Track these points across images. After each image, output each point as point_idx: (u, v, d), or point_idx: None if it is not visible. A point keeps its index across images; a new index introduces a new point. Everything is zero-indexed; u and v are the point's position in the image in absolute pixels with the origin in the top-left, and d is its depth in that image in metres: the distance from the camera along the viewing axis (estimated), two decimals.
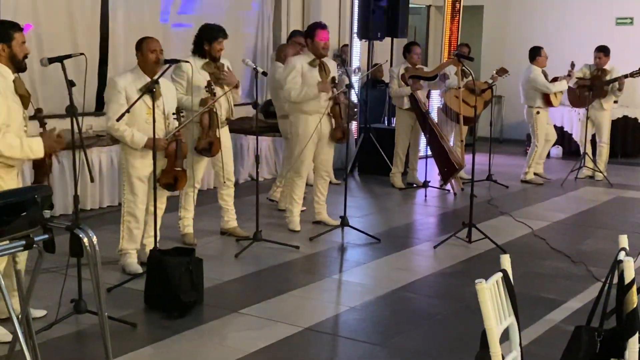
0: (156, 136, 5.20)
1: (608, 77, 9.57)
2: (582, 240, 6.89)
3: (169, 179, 5.48)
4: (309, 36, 6.67)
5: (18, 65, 4.26)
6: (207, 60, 6.14)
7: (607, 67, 9.63)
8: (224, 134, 6.32)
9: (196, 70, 5.94)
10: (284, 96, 6.84)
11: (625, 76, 9.38)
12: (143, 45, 5.38)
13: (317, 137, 6.72)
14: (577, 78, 9.58)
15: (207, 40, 6.13)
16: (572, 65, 9.53)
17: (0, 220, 2.81)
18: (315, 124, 6.64)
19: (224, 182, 6.43)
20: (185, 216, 6.31)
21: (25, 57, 4.28)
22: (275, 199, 7.90)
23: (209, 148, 6.07)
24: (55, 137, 4.31)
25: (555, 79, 9.47)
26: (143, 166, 5.37)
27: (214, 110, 6.02)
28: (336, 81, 6.81)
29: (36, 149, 4.20)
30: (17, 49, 4.22)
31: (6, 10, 6.84)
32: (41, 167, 4.61)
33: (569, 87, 9.65)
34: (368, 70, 10.08)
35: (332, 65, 6.81)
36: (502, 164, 10.43)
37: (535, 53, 9.53)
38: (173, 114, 5.49)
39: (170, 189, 5.63)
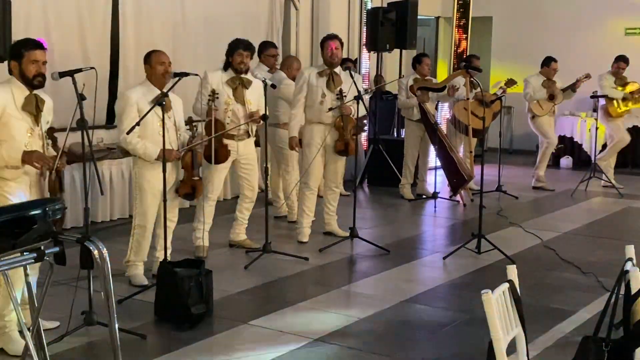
0: (168, 147, 5.25)
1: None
2: (593, 251, 6.87)
3: (187, 189, 5.64)
4: (320, 47, 6.80)
5: (28, 82, 4.31)
6: (233, 75, 6.23)
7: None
8: (246, 147, 6.37)
9: (219, 84, 6.13)
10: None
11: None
12: (152, 58, 5.42)
13: (324, 148, 6.75)
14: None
15: (229, 52, 6.26)
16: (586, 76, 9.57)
17: (11, 232, 2.84)
18: (320, 135, 6.67)
19: (245, 195, 6.52)
20: (199, 228, 6.32)
21: (38, 75, 4.31)
22: (280, 214, 7.89)
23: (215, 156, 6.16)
24: (35, 157, 4.27)
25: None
26: (156, 179, 5.36)
27: (220, 120, 6.13)
28: (344, 94, 6.81)
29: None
30: (25, 66, 4.28)
31: (18, 25, 6.89)
32: (52, 188, 4.67)
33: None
34: (374, 84, 10.11)
35: (344, 77, 6.71)
36: (511, 175, 10.43)
37: (544, 62, 9.58)
38: (186, 124, 5.55)
39: (190, 199, 5.84)
